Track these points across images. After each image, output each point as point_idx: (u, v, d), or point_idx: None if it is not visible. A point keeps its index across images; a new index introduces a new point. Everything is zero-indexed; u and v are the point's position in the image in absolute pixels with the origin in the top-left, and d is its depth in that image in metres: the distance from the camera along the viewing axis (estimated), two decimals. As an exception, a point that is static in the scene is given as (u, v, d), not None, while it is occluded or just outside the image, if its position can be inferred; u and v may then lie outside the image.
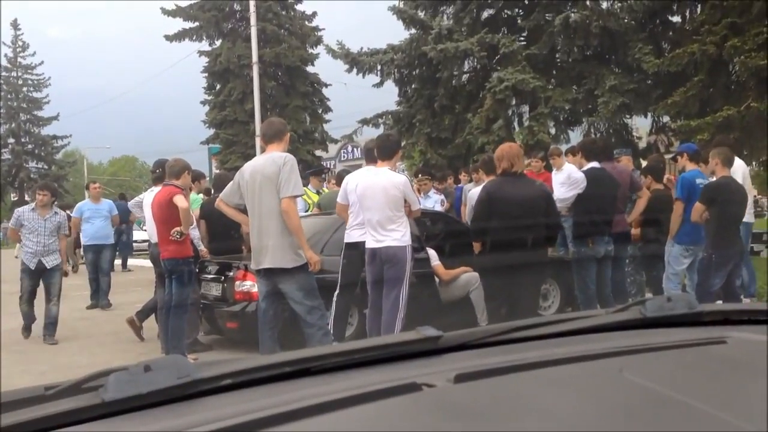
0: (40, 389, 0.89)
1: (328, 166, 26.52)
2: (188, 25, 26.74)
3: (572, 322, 1.18)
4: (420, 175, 9.95)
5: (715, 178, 6.43)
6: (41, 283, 7.78)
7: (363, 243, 5.74)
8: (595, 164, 6.53)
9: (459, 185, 11.08)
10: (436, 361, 0.99)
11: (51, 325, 7.61)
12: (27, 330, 7.80)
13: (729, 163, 6.47)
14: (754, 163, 13.89)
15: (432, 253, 7.05)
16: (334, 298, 5.95)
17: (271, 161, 5.06)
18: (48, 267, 7.72)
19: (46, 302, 7.65)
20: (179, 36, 26.72)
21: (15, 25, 47.78)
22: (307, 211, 8.61)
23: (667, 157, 7.40)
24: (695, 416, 0.74)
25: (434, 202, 9.36)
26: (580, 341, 1.08)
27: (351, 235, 5.91)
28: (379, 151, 5.78)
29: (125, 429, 0.77)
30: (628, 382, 0.86)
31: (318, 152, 27.43)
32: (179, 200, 6.01)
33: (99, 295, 10.32)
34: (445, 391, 0.84)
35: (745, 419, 0.72)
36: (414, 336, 1.02)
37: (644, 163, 11.08)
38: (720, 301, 6.41)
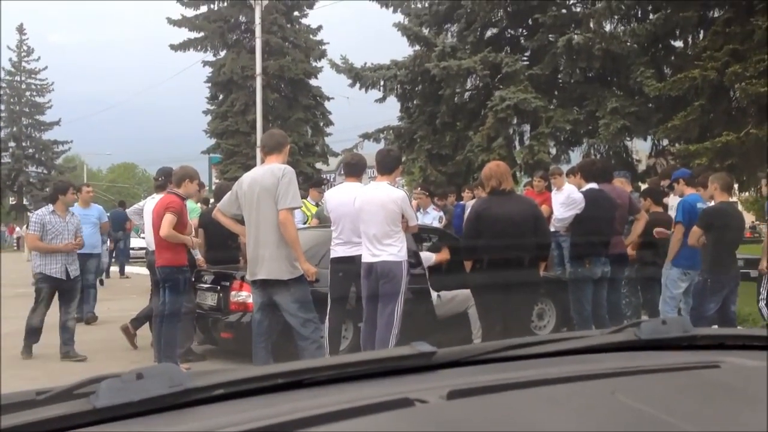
0: (31, 394, 0.88)
1: (328, 179, 26.58)
2: (193, 35, 26.92)
3: (567, 341, 1.18)
4: (419, 189, 9.96)
5: (713, 203, 6.45)
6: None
7: (347, 258, 5.81)
8: (593, 185, 6.54)
9: (460, 202, 11.10)
10: (429, 376, 0.98)
11: (71, 339, 7.13)
12: (29, 349, 7.11)
13: (728, 189, 6.50)
14: (752, 189, 13.93)
15: (425, 255, 7.07)
16: (327, 313, 5.95)
17: (270, 173, 5.08)
18: (72, 276, 7.19)
19: (65, 314, 7.17)
20: (184, 46, 26.89)
21: (20, 29, 47.99)
22: (305, 223, 8.62)
23: (664, 183, 7.42)
24: None
25: (432, 218, 9.38)
26: (573, 361, 1.07)
27: (336, 251, 5.96)
28: (380, 166, 5.81)
29: None
30: (620, 403, 0.85)
31: (318, 165, 27.52)
32: (164, 221, 6.00)
33: (82, 308, 9.10)
34: (438, 407, 0.84)
35: None
36: (408, 351, 1.02)
37: (644, 186, 11.12)
38: (716, 326, 6.41)
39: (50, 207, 7.25)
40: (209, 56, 27.15)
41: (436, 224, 9.16)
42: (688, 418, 0.80)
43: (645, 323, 1.19)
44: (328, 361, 0.99)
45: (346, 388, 0.92)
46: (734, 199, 11.71)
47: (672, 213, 7.03)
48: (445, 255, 7.18)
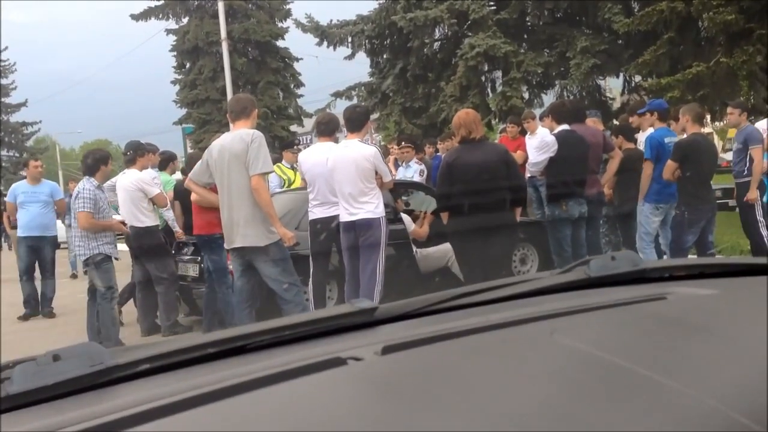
0: None
1: (304, 140, 26.32)
2: (154, 3, 26.28)
3: (515, 285, 1.16)
4: (403, 143, 9.78)
5: (685, 135, 6.46)
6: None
7: (326, 219, 5.78)
8: (565, 127, 6.52)
9: (438, 154, 11.01)
10: (369, 333, 0.96)
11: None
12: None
13: (700, 120, 6.50)
14: (724, 119, 13.98)
15: (407, 219, 7.05)
16: (311, 275, 5.95)
17: (239, 138, 5.00)
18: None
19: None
20: (145, 15, 26.26)
21: (-24, 11, 46.45)
22: (282, 186, 8.54)
23: (633, 120, 7.43)
24: (622, 376, 0.72)
25: (414, 172, 9.28)
26: (520, 305, 1.05)
27: (314, 212, 5.94)
28: (348, 124, 5.74)
29: (29, 422, 0.73)
30: (557, 344, 0.84)
31: (293, 127, 27.23)
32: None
33: (38, 301, 8.45)
34: (372, 363, 0.82)
35: (673, 377, 0.70)
36: (348, 309, 1.00)
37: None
38: (694, 256, 6.50)
39: (94, 181, 6.36)
40: (172, 24, 26.60)
41: (417, 178, 9.08)
42: (627, 353, 0.79)
43: (594, 261, 1.17)
44: (264, 325, 0.96)
45: (281, 352, 0.90)
46: (708, 129, 11.78)
47: (641, 149, 7.05)
48: (422, 232, 7.09)
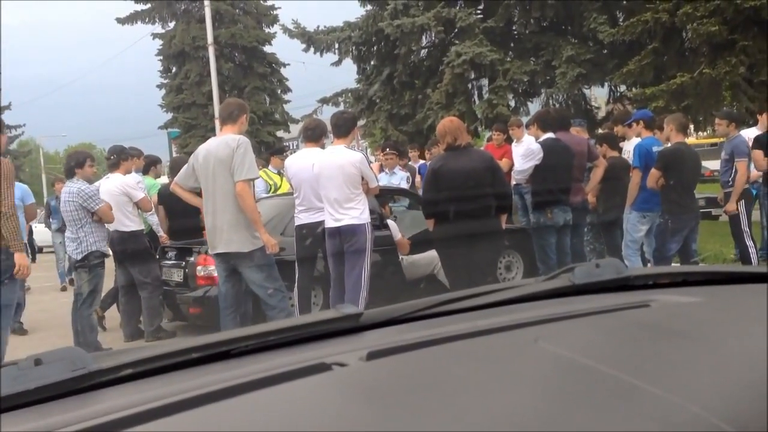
0: None
1: (291, 146, 26.32)
2: (140, 6, 26.18)
3: (500, 292, 1.16)
4: (387, 150, 9.73)
5: (670, 144, 6.51)
6: None
7: (311, 224, 5.77)
8: (550, 135, 6.56)
9: (423, 162, 11.00)
10: (354, 339, 0.96)
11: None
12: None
13: (683, 129, 6.55)
14: (708, 129, 14.13)
15: (393, 226, 7.03)
16: (296, 281, 5.93)
17: (225, 144, 5.00)
18: None
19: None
20: (131, 18, 26.16)
21: (-41, 12, 46.09)
22: (268, 191, 8.52)
23: (618, 129, 7.50)
24: (606, 382, 0.73)
25: (400, 179, 9.25)
26: (505, 312, 1.06)
27: (299, 218, 5.93)
28: (335, 129, 5.74)
29: (10, 427, 0.72)
30: (541, 351, 0.84)
31: (279, 133, 27.21)
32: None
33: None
34: (356, 369, 0.82)
35: (657, 384, 0.71)
36: (333, 314, 1.00)
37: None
38: (678, 265, 6.55)
39: (81, 180, 6.22)
40: (158, 28, 26.52)
41: (403, 185, 9.06)
42: (611, 360, 0.79)
43: (579, 268, 1.18)
44: (248, 331, 0.96)
45: (266, 358, 0.89)
46: (692, 138, 11.92)
47: (626, 158, 7.11)
48: (405, 245, 7.06)
